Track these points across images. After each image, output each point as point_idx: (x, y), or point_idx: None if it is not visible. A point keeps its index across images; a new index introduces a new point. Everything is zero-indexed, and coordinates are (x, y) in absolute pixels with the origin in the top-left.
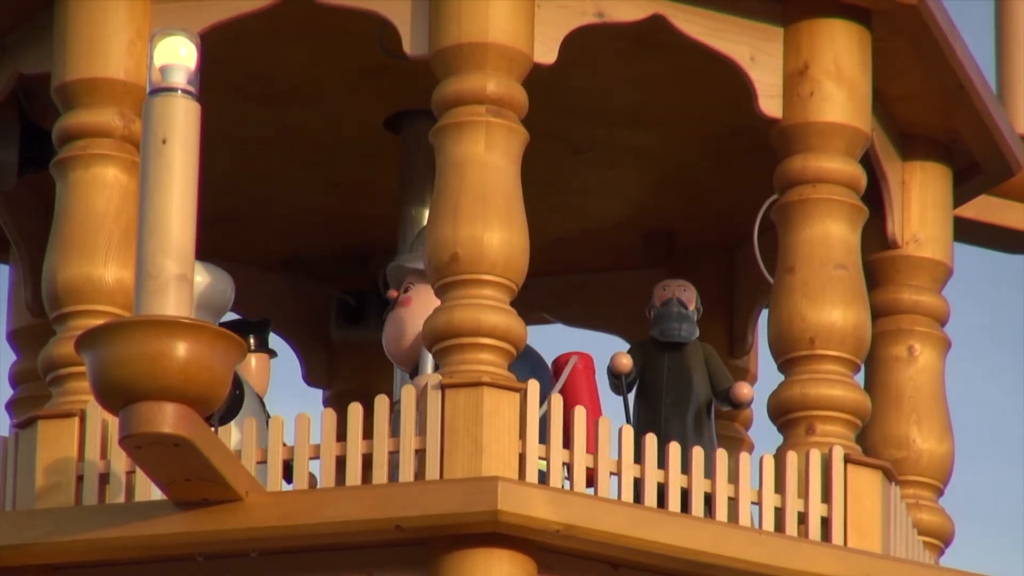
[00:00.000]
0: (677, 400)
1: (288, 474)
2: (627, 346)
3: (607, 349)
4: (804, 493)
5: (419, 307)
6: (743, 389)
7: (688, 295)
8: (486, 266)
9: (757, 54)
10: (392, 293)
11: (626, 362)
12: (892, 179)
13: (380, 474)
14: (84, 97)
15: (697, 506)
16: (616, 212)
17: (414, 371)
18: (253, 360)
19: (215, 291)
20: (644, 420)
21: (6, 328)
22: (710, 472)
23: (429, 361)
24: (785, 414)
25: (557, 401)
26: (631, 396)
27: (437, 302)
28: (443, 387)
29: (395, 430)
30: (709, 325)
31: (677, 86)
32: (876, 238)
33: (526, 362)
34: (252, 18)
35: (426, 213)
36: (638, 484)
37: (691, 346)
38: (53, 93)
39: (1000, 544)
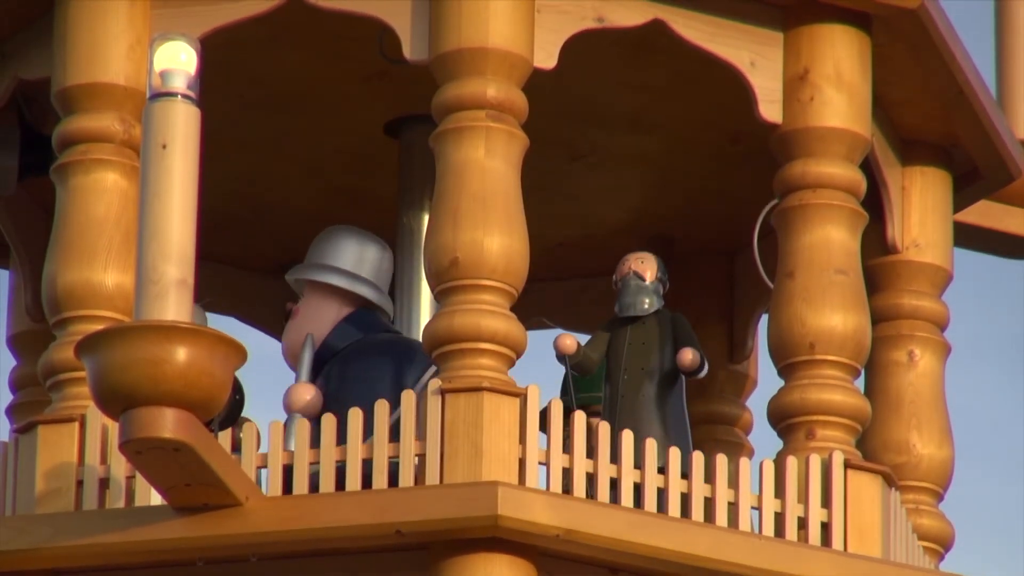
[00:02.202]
0: (634, 375)
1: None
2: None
3: None
4: (804, 498)
5: (303, 320)
6: (685, 356)
7: (645, 266)
8: (486, 271)
9: (757, 59)
10: (289, 305)
11: (570, 343)
12: (892, 184)
13: (380, 479)
14: (84, 102)
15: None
16: (616, 217)
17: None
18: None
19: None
20: (607, 399)
21: (6, 333)
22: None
23: (305, 370)
24: (785, 419)
25: (557, 405)
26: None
27: (322, 309)
28: (443, 392)
29: (395, 435)
30: (709, 330)
31: (677, 91)
32: (876, 243)
33: (388, 356)
34: (252, 23)
35: (425, 218)
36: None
37: (654, 318)
38: (53, 98)
39: (1002, 551)
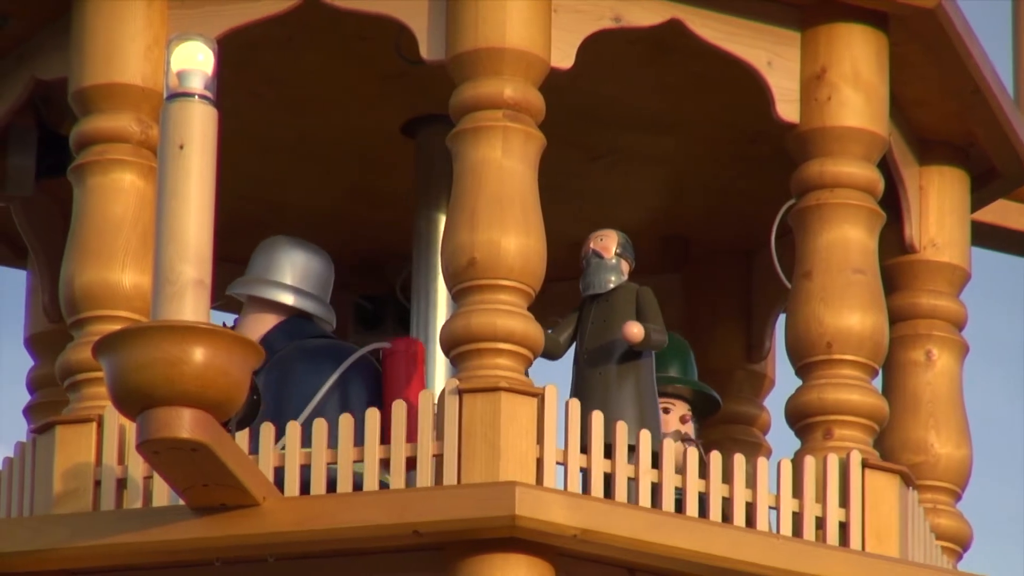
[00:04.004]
0: (594, 353)
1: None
2: None
3: None
4: (822, 498)
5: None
6: (628, 329)
7: (604, 244)
8: (503, 271)
9: (774, 59)
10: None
11: None
12: (909, 184)
13: (397, 479)
14: (101, 103)
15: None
16: (633, 217)
17: None
18: None
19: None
20: (573, 379)
21: (24, 334)
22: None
23: None
24: (803, 419)
25: (575, 405)
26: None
27: (261, 321)
28: (460, 392)
29: (412, 435)
30: (727, 330)
31: (694, 91)
32: (894, 243)
33: (328, 360)
34: (269, 23)
35: (443, 218)
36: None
37: (619, 294)
38: (70, 99)
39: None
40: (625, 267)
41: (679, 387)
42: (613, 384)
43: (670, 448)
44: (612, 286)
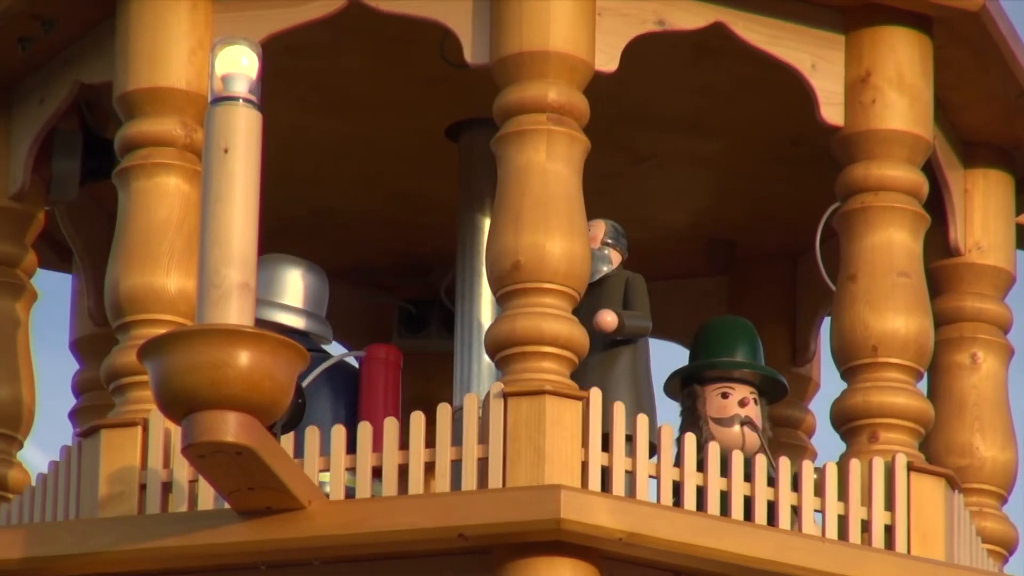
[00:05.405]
0: None
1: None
2: (686, 352)
3: (668, 357)
4: (867, 501)
5: None
6: (600, 317)
7: (593, 233)
8: (548, 274)
9: (818, 62)
10: None
11: None
12: (954, 187)
13: (443, 483)
14: (146, 106)
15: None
16: (678, 220)
17: None
18: None
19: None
20: None
21: (69, 337)
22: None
23: None
24: (848, 422)
25: (619, 409)
26: None
27: None
28: (505, 395)
29: (457, 438)
30: (772, 333)
31: (738, 94)
32: (939, 246)
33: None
34: (313, 27)
35: (487, 222)
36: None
37: (610, 282)
38: (115, 103)
39: None
40: (616, 256)
41: (744, 371)
42: (607, 371)
43: (715, 449)
44: (601, 275)
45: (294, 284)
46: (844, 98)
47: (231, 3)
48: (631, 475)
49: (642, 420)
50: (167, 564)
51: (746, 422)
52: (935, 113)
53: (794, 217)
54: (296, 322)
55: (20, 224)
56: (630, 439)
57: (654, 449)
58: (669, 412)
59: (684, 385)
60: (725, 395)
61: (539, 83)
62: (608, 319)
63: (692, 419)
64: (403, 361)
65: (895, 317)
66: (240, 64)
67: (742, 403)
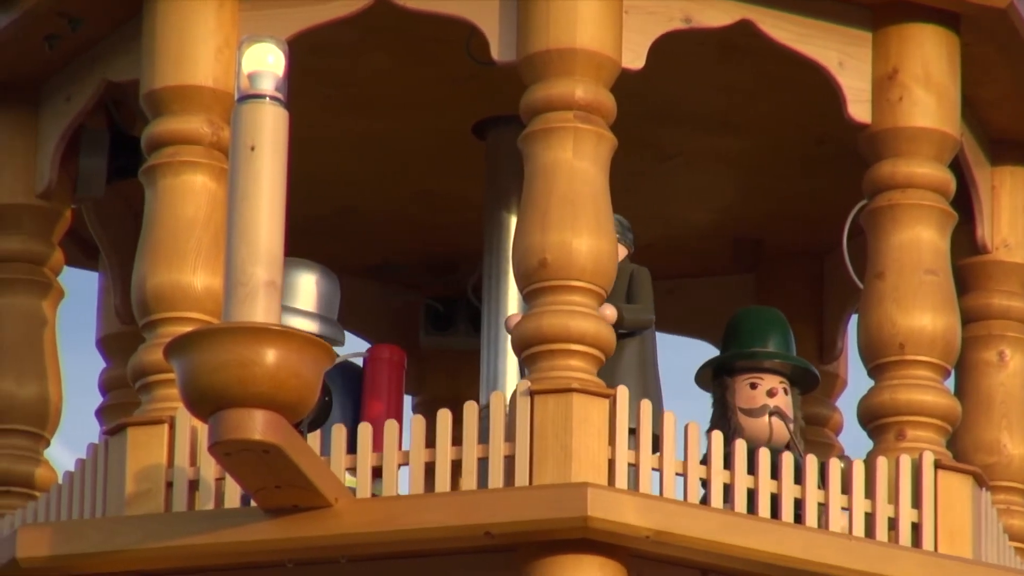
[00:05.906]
0: None
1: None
2: (715, 351)
3: (695, 354)
4: (894, 499)
5: None
6: (601, 312)
7: None
8: (575, 272)
9: (846, 59)
10: None
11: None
12: (982, 184)
13: (469, 480)
14: (173, 104)
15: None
16: (705, 218)
17: None
18: None
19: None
20: None
21: (96, 335)
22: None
23: None
24: (875, 419)
25: (646, 407)
26: None
27: None
28: (532, 393)
29: (483, 436)
30: (799, 331)
31: (765, 92)
32: (966, 243)
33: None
34: (340, 25)
35: (513, 219)
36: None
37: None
38: (142, 100)
39: None
40: (621, 251)
41: (774, 362)
42: (614, 363)
43: (742, 448)
44: None
45: (306, 288)
46: (871, 95)
47: (257, 1)
48: (658, 472)
49: (669, 417)
50: (193, 562)
51: (775, 412)
52: (962, 110)
53: (820, 215)
54: (309, 326)
55: (47, 222)
56: (633, 432)
57: (658, 441)
58: (696, 406)
59: (715, 376)
60: (754, 385)
61: (566, 81)
62: (607, 313)
63: (722, 410)
64: (430, 360)
65: (922, 315)
66: (267, 62)
67: (771, 393)
